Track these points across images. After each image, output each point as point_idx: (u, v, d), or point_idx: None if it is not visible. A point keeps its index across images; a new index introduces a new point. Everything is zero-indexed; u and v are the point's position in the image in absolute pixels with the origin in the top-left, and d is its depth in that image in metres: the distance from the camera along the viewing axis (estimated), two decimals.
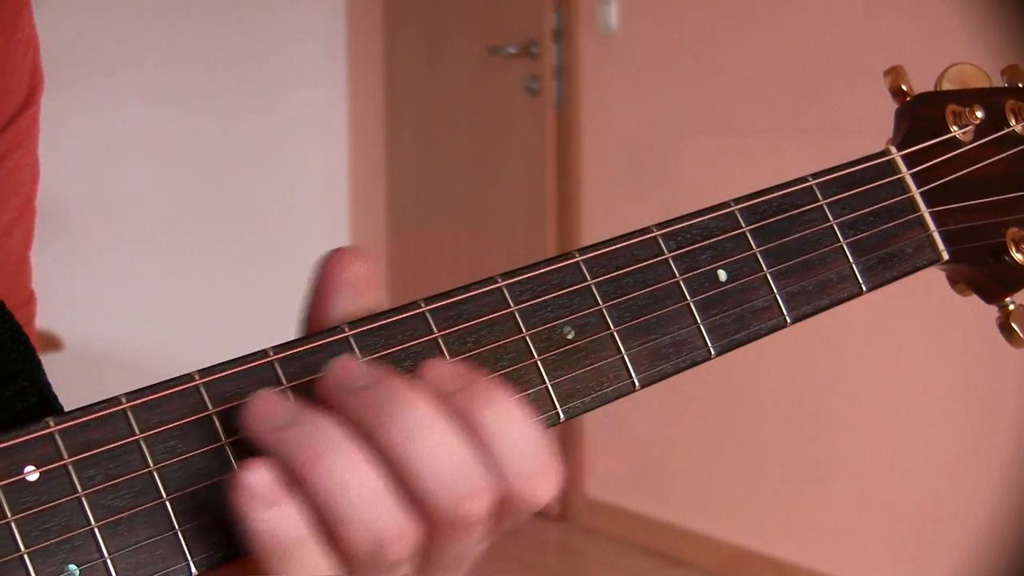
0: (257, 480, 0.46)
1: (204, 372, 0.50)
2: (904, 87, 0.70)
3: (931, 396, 2.83)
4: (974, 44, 2.49)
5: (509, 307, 0.55)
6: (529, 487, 0.49)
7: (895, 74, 0.70)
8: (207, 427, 0.49)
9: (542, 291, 0.56)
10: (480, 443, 0.48)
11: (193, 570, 0.48)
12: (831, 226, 0.64)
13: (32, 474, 0.46)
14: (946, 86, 0.71)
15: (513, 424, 0.49)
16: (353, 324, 0.52)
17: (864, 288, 0.64)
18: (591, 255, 0.58)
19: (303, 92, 4.06)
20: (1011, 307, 0.69)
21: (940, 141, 0.68)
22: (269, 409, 0.48)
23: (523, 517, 0.51)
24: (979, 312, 0.75)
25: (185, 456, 0.49)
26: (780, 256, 0.62)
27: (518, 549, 3.46)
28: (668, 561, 3.32)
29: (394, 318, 0.53)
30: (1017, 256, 0.69)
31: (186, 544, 0.48)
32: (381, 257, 4.20)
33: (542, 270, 0.57)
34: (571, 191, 3.55)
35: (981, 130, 0.69)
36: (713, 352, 0.60)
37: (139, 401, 0.49)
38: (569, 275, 0.57)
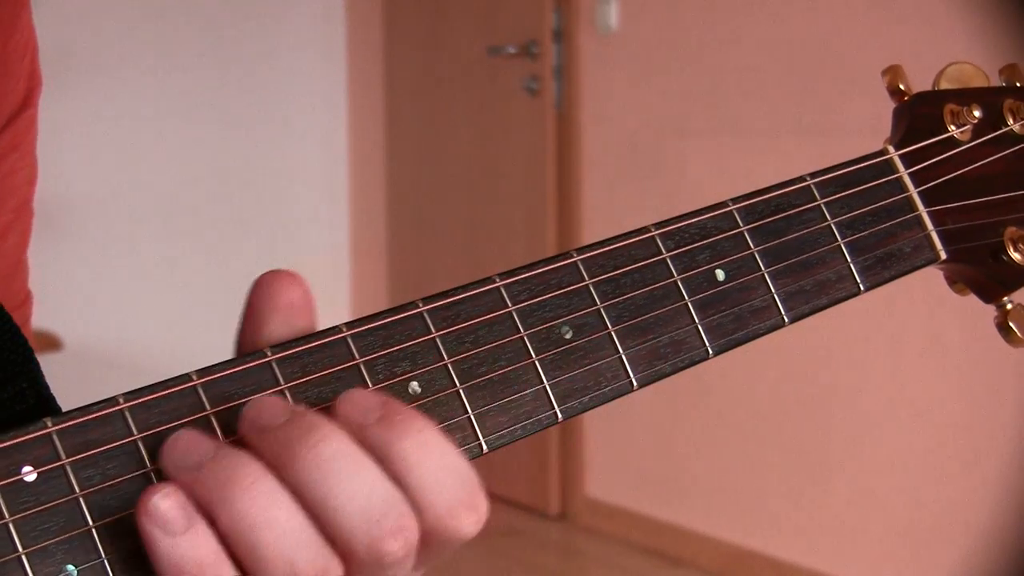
0: (168, 505, 0.45)
1: (202, 372, 0.50)
2: (902, 86, 0.70)
3: (930, 396, 2.83)
4: (973, 44, 2.49)
5: (507, 307, 0.55)
6: (452, 521, 0.48)
7: (893, 73, 0.70)
8: (205, 427, 0.49)
9: (540, 291, 0.56)
10: (397, 476, 0.47)
11: None
12: (829, 226, 0.64)
13: (30, 474, 0.46)
14: (944, 85, 0.71)
15: (431, 455, 0.47)
16: (351, 324, 0.52)
17: (862, 288, 0.64)
18: (589, 255, 0.58)
19: (303, 92, 4.06)
20: (1009, 306, 0.69)
21: (938, 140, 0.68)
22: (187, 446, 0.47)
23: (450, 550, 0.49)
24: (977, 312, 0.75)
25: None
26: (778, 256, 0.62)
27: (518, 549, 3.46)
28: (668, 561, 3.32)
29: (392, 318, 0.53)
30: (1015, 255, 0.69)
31: None
32: (381, 257, 4.20)
33: (540, 270, 0.57)
34: (571, 191, 3.55)
35: (979, 129, 0.69)
36: (711, 352, 0.60)
37: (137, 401, 0.49)
38: (567, 275, 0.57)
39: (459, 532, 0.48)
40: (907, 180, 0.67)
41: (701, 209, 0.61)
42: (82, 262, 3.60)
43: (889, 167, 0.67)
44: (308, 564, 0.46)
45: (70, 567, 0.46)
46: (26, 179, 0.72)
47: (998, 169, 0.69)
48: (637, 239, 0.59)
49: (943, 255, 0.67)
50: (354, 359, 0.52)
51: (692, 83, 3.23)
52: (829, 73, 2.93)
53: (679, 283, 0.59)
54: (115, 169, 3.70)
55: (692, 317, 0.59)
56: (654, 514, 3.39)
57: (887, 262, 0.65)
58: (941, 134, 0.68)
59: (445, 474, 0.48)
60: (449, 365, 0.54)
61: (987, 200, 0.69)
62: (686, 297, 0.59)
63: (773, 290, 0.62)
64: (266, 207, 4.00)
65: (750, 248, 0.62)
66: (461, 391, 0.54)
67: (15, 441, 0.47)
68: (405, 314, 0.53)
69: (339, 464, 0.46)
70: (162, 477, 0.48)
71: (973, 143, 0.69)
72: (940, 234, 0.67)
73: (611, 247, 0.58)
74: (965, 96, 0.70)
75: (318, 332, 0.52)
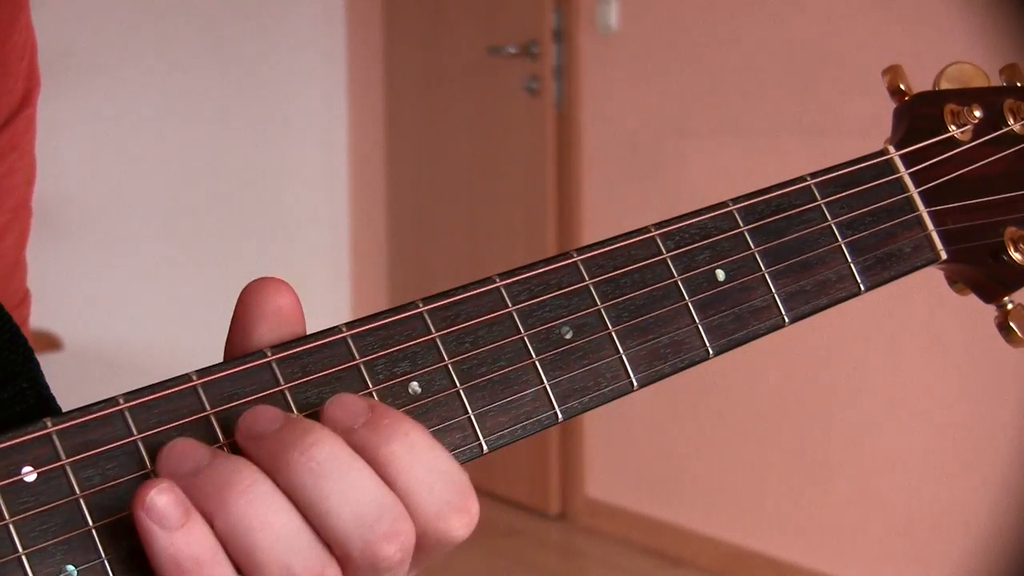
0: (165, 500, 0.45)
1: (202, 372, 0.50)
2: (903, 86, 0.70)
3: (930, 396, 2.83)
4: (973, 44, 2.49)
5: (507, 307, 0.55)
6: (442, 523, 0.48)
7: (894, 73, 0.70)
8: (205, 427, 0.49)
9: (540, 291, 0.56)
10: (386, 480, 0.47)
11: None
12: (829, 226, 0.64)
13: (30, 475, 0.46)
14: (945, 85, 0.71)
15: (420, 458, 0.47)
16: (351, 324, 0.52)
17: (862, 288, 0.64)
18: (589, 255, 0.58)
19: (303, 92, 4.06)
20: (1009, 306, 0.69)
21: (938, 140, 0.68)
22: (183, 452, 0.47)
23: (442, 552, 0.49)
24: (978, 311, 0.75)
25: None
26: (778, 256, 0.62)
27: (518, 549, 3.46)
28: (668, 561, 3.32)
29: (392, 318, 0.53)
30: (1015, 255, 0.69)
31: None
32: (381, 257, 4.20)
33: (540, 270, 0.57)
34: (571, 191, 3.55)
35: (979, 129, 0.69)
36: (711, 352, 0.60)
37: (137, 402, 0.49)
38: (567, 275, 0.57)
39: (449, 535, 0.48)
40: (907, 180, 0.67)
41: (701, 209, 0.61)
42: (82, 262, 3.60)
43: (889, 167, 0.67)
44: (304, 567, 0.46)
45: (70, 567, 0.46)
46: (24, 179, 0.72)
47: (998, 169, 0.69)
48: (637, 239, 0.59)
49: (943, 255, 0.67)
50: (354, 359, 0.52)
51: (692, 83, 3.23)
52: (829, 73, 2.93)
53: (679, 283, 0.59)
54: (115, 169, 3.70)
55: (692, 317, 0.59)
56: (654, 514, 3.39)
57: (887, 262, 0.65)
58: (941, 134, 0.68)
59: (434, 477, 0.47)
60: (449, 365, 0.54)
61: (987, 200, 0.69)
62: (686, 297, 0.59)
63: (773, 290, 0.62)
64: (266, 207, 4.00)
65: (750, 248, 0.62)
66: (461, 391, 0.54)
67: (15, 441, 0.47)
68: (405, 314, 0.53)
69: (332, 467, 0.46)
70: None
71: (974, 143, 0.69)
72: (940, 234, 0.67)
73: (611, 247, 0.58)
74: (965, 96, 0.70)
75: (318, 332, 0.52)
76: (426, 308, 0.54)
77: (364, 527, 0.46)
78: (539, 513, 3.66)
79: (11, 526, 0.46)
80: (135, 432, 0.48)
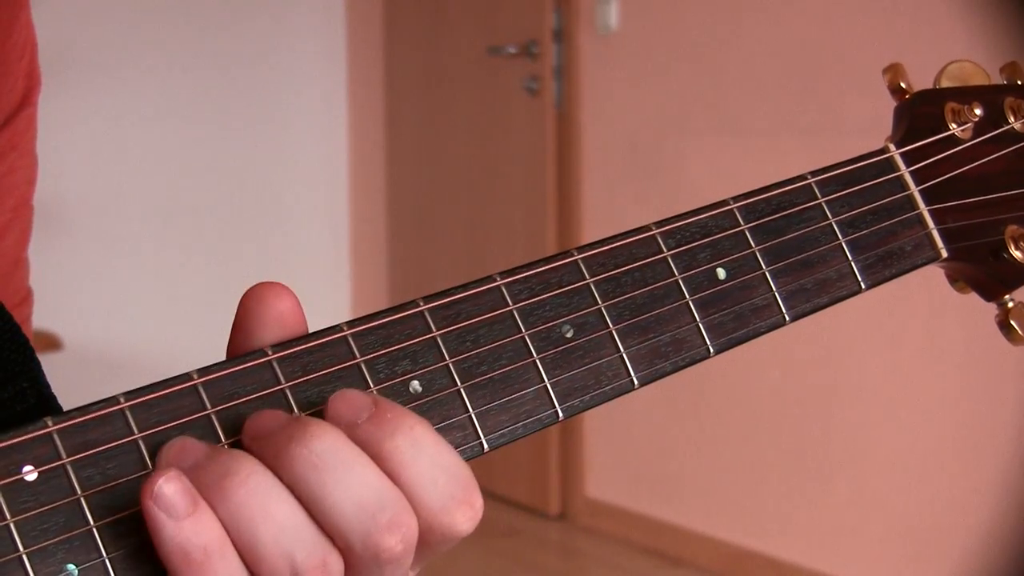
0: (173, 489, 0.45)
1: (203, 372, 0.50)
2: (903, 85, 0.70)
3: (931, 395, 2.83)
4: (974, 42, 2.49)
5: (508, 306, 0.55)
6: (446, 517, 0.48)
7: (894, 71, 0.70)
8: (206, 427, 0.49)
9: (541, 290, 0.56)
10: (391, 474, 0.47)
11: None
12: (830, 224, 0.64)
13: (31, 474, 0.46)
14: (945, 83, 0.71)
15: (424, 453, 0.48)
16: (352, 323, 0.52)
17: (863, 286, 0.64)
18: (590, 254, 0.58)
19: (303, 92, 4.06)
20: (1010, 304, 0.69)
21: (939, 139, 0.68)
22: (183, 448, 0.47)
23: (445, 547, 0.49)
24: (978, 310, 0.75)
25: None
26: (779, 254, 0.62)
27: (518, 549, 3.46)
28: (668, 561, 3.32)
29: (393, 317, 0.53)
30: (1016, 254, 0.69)
31: None
32: (381, 257, 4.20)
33: (540, 269, 0.57)
34: (571, 191, 3.55)
35: (980, 127, 0.69)
36: (712, 351, 0.59)
37: (137, 401, 0.48)
38: (568, 274, 0.57)
39: (454, 529, 0.48)
40: (908, 178, 0.67)
41: (702, 208, 0.61)
42: (82, 262, 3.60)
43: (890, 165, 0.67)
44: (307, 557, 0.46)
45: (71, 567, 0.46)
46: (25, 178, 0.72)
47: (999, 167, 0.69)
48: (638, 238, 0.59)
49: (944, 253, 0.67)
50: (355, 358, 0.52)
51: (692, 83, 3.23)
52: (829, 73, 2.93)
53: (680, 282, 0.59)
54: (115, 168, 3.70)
55: (693, 316, 0.59)
56: (654, 514, 3.39)
57: (888, 260, 0.65)
58: (942, 132, 0.68)
59: (438, 471, 0.48)
60: (450, 364, 0.54)
61: (988, 198, 0.68)
62: (687, 296, 0.59)
63: (774, 288, 0.62)
64: (266, 207, 4.00)
65: (751, 247, 0.61)
66: (462, 390, 0.54)
67: (15, 441, 0.46)
68: (406, 313, 0.53)
69: (333, 459, 0.46)
70: None
71: (974, 141, 0.69)
72: (941, 232, 0.67)
73: (612, 246, 0.58)
74: (966, 94, 0.70)
75: (319, 331, 0.52)
76: (427, 307, 0.54)
77: (366, 519, 0.46)
78: (539, 513, 3.66)
79: (12, 525, 0.45)
80: (136, 431, 0.48)
